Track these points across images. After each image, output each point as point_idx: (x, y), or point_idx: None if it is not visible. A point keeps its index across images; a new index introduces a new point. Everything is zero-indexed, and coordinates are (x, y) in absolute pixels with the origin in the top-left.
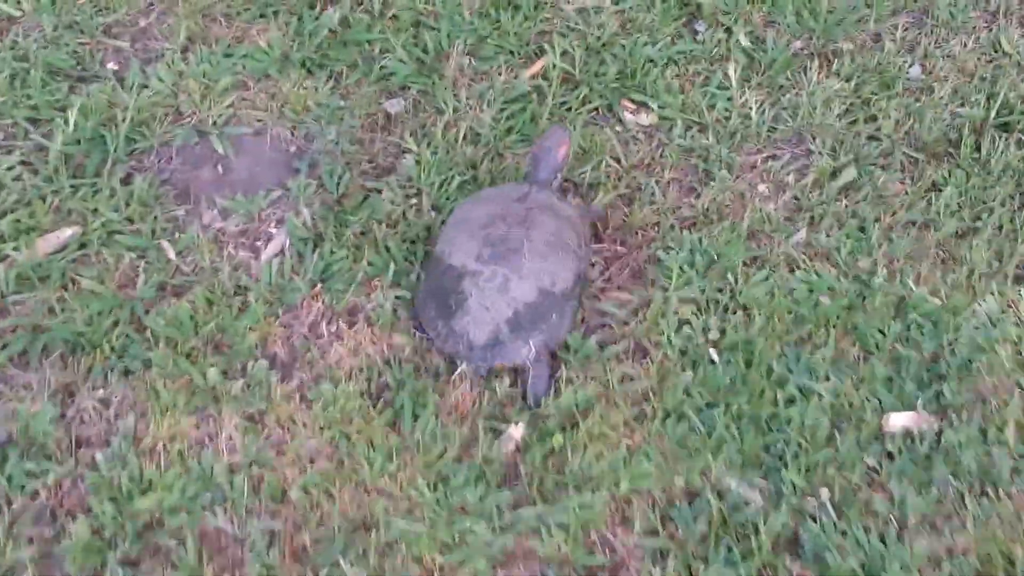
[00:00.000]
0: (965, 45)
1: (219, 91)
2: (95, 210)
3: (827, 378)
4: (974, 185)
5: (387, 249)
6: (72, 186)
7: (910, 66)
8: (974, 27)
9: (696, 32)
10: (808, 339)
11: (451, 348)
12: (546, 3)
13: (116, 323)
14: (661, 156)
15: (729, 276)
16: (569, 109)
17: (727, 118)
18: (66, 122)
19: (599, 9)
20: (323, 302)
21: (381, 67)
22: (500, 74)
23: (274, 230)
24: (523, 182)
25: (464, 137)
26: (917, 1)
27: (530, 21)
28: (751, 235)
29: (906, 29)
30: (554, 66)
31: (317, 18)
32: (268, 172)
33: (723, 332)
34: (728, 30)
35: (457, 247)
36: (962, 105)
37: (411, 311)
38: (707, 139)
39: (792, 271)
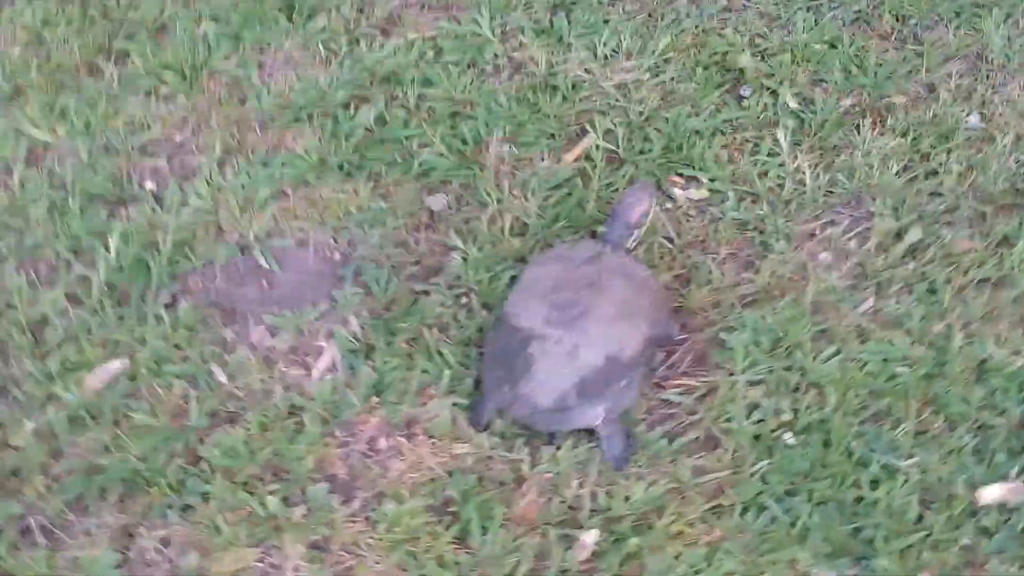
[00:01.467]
0: None
1: (259, 203)
2: (142, 339)
3: (911, 454)
4: None
5: (440, 355)
6: (118, 316)
7: (968, 115)
8: None
9: (741, 98)
10: (887, 414)
11: (517, 412)
12: (584, 82)
13: (172, 457)
14: (715, 231)
15: (797, 353)
16: (616, 190)
17: (780, 186)
18: (107, 249)
19: (639, 83)
20: (379, 416)
21: (420, 163)
22: (543, 160)
23: (324, 344)
24: (598, 239)
25: (510, 229)
26: (971, 46)
27: (569, 102)
28: (816, 308)
29: (960, 76)
30: (597, 147)
31: (352, 118)
32: (314, 283)
33: (796, 413)
34: (774, 93)
35: (525, 309)
36: None
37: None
38: (761, 209)
39: (863, 342)
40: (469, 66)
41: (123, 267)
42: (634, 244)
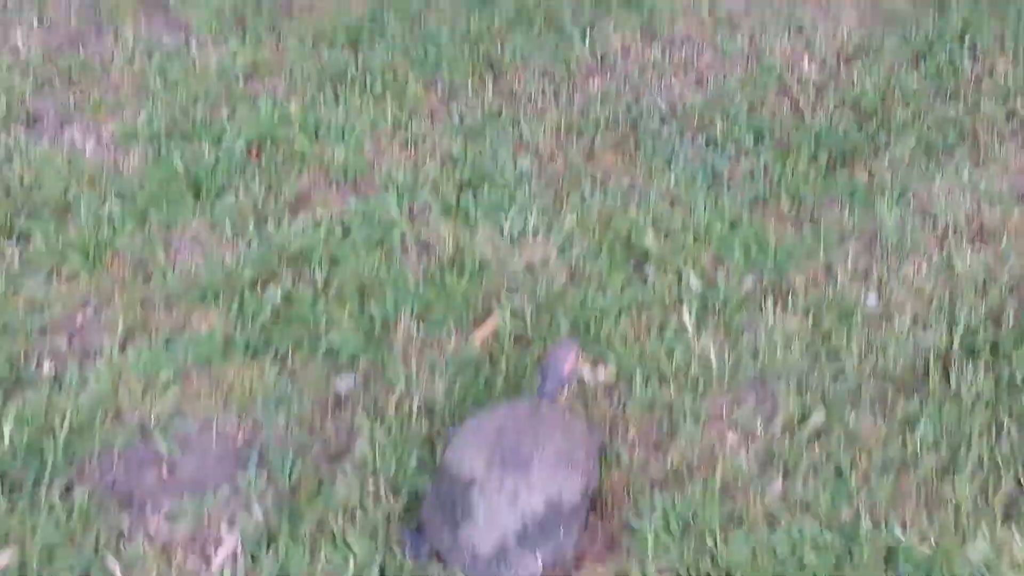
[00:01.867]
0: (919, 269)
1: (161, 385)
2: (33, 529)
3: None
4: (949, 418)
5: (346, 543)
6: (9, 505)
7: (866, 295)
8: (926, 249)
9: (646, 277)
10: None
11: (457, 561)
12: (491, 262)
13: None
14: (624, 413)
15: (708, 539)
16: (525, 372)
17: (687, 365)
18: (0, 436)
19: (546, 262)
20: None
21: (327, 343)
22: (450, 339)
23: (225, 533)
24: (532, 397)
25: (418, 410)
26: (866, 227)
27: (476, 281)
28: (725, 491)
29: (857, 256)
30: (505, 327)
31: (259, 297)
32: (216, 468)
33: None
34: (678, 272)
35: (467, 456)
36: (924, 331)
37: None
38: (669, 390)
39: (773, 528)
40: (377, 245)
41: (16, 453)
42: (563, 398)
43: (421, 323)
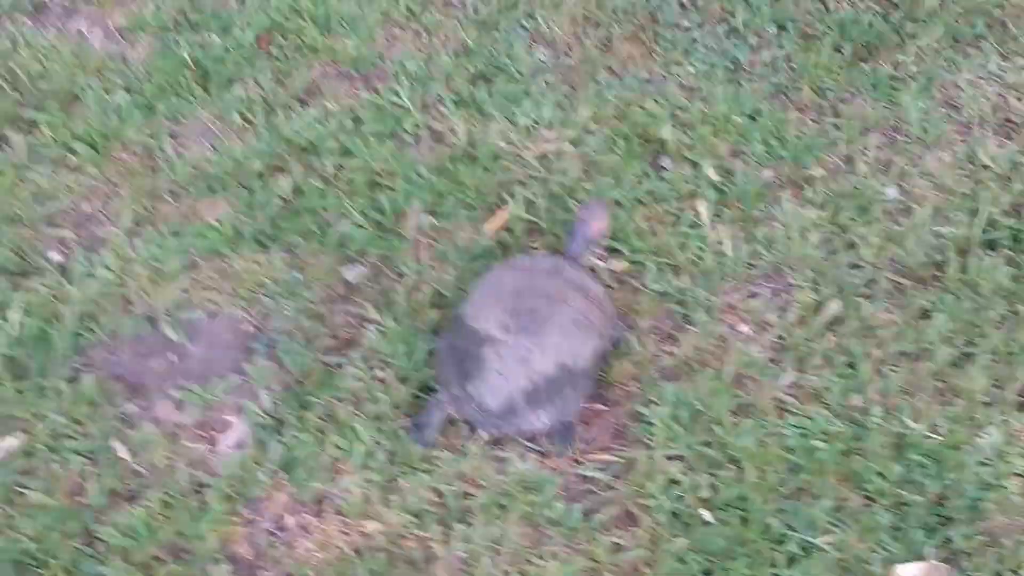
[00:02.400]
0: (941, 161)
1: (169, 275)
2: (41, 414)
3: (829, 531)
4: (965, 309)
5: (353, 430)
6: (16, 390)
7: (886, 188)
8: (949, 141)
9: (662, 169)
10: (806, 489)
11: (464, 411)
12: (505, 153)
13: (66, 537)
14: (636, 303)
15: (717, 428)
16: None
17: (701, 258)
18: (6, 321)
19: (560, 154)
20: (288, 493)
21: (337, 234)
22: (462, 231)
23: (233, 419)
24: (558, 254)
25: (429, 301)
26: (888, 119)
27: (490, 173)
28: (736, 381)
29: (878, 149)
30: (518, 218)
31: (268, 188)
32: (224, 357)
33: (715, 489)
34: (695, 165)
35: (483, 312)
36: (944, 225)
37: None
38: (682, 281)
39: (782, 417)
40: (389, 137)
41: (23, 340)
42: (587, 257)
43: (433, 214)
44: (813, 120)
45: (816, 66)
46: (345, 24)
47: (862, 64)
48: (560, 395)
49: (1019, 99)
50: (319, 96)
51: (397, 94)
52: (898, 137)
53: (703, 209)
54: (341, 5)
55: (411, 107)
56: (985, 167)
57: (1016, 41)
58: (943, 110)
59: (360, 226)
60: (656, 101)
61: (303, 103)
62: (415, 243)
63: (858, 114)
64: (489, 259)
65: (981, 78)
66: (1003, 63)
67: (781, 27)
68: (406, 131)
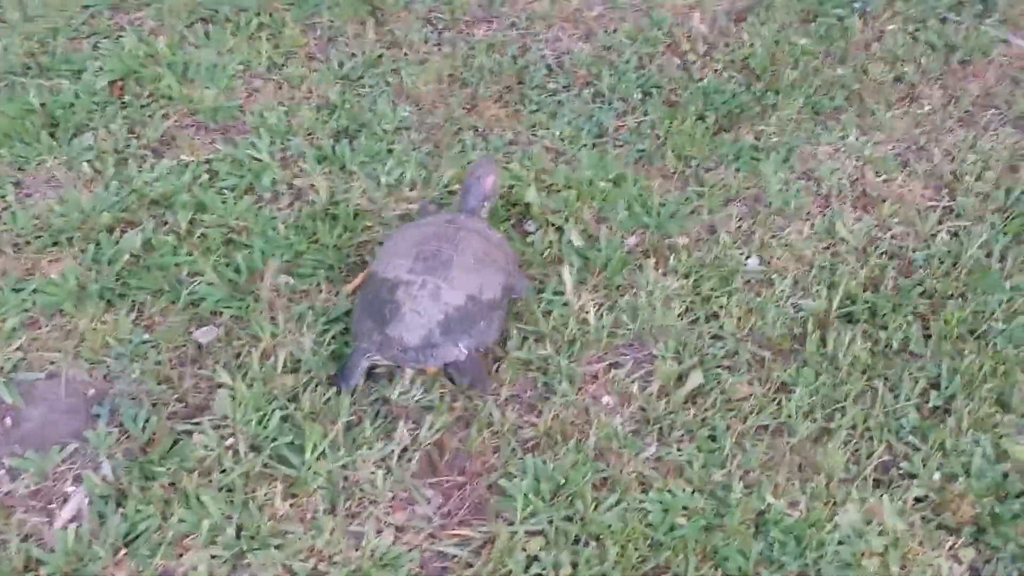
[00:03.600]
0: (801, 232)
1: (6, 333)
2: None
3: None
4: (824, 383)
5: (200, 502)
6: None
7: (747, 258)
8: (809, 213)
9: (527, 233)
10: (667, 567)
11: (387, 353)
12: (367, 211)
13: None
14: (498, 371)
15: (578, 502)
16: None
17: (565, 325)
18: None
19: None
20: (128, 569)
21: (189, 293)
22: (321, 292)
23: (71, 489)
24: (454, 211)
25: (283, 365)
26: (750, 189)
27: (351, 232)
28: (598, 454)
29: (740, 219)
30: None
31: (117, 242)
32: (64, 422)
33: (575, 567)
34: (559, 229)
35: (391, 263)
36: (804, 297)
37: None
38: (545, 349)
39: (645, 491)
40: (246, 192)
41: None
42: (486, 214)
43: (289, 273)
44: (677, 188)
45: (680, 134)
46: (204, 73)
47: (725, 133)
48: (474, 325)
49: (876, 173)
50: (174, 147)
51: (256, 147)
52: (760, 207)
53: (567, 276)
54: (200, 53)
55: (270, 161)
56: (843, 240)
57: (873, 115)
58: (803, 182)
59: (213, 285)
60: (521, 163)
61: (157, 154)
62: (271, 304)
63: (720, 183)
64: (348, 323)
65: (840, 151)
66: (861, 136)
67: (646, 93)
68: (264, 186)
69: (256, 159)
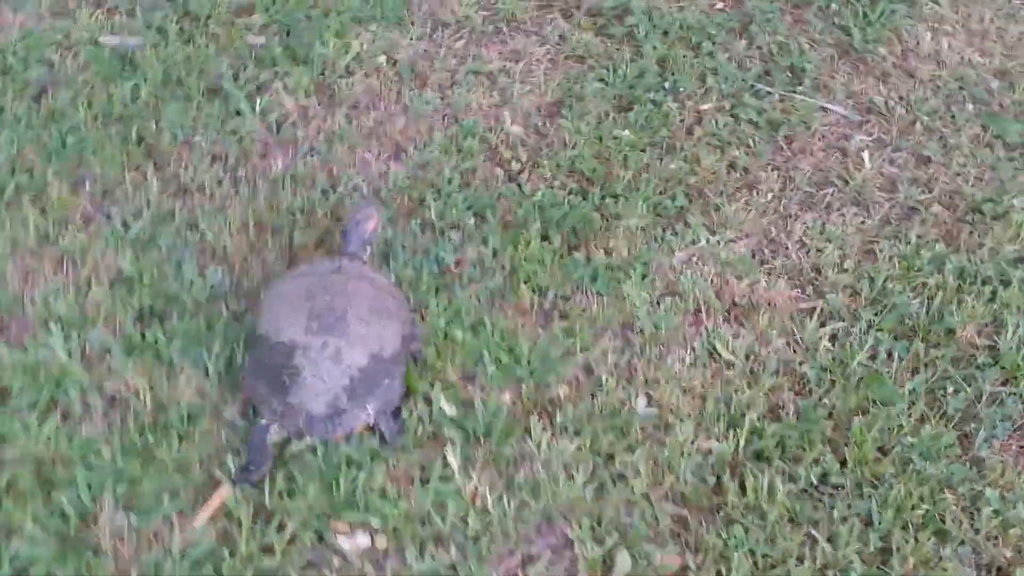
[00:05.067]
0: (683, 360)
1: None
2: None
3: None
4: (758, 541)
5: None
6: None
7: (636, 400)
8: (684, 335)
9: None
10: None
11: (291, 425)
12: (201, 413)
13: None
14: None
15: None
16: (271, 552)
17: (464, 519)
18: None
19: None
20: None
21: (12, 559)
22: (172, 527)
23: None
24: (334, 257)
25: None
26: (617, 315)
27: (190, 441)
28: None
29: (616, 353)
30: (236, 499)
31: None
32: None
33: None
34: (428, 400)
35: (282, 323)
36: (707, 439)
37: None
38: (449, 554)
39: None
40: (49, 409)
41: None
42: (367, 258)
43: (129, 509)
44: (540, 326)
45: (528, 261)
46: None
47: (574, 253)
48: (378, 384)
49: (738, 277)
50: None
51: (48, 347)
52: (632, 335)
53: (452, 458)
54: None
55: (71, 364)
56: (728, 364)
57: (719, 211)
58: (669, 299)
59: (37, 542)
60: None
61: None
62: (114, 552)
63: (585, 314)
64: (215, 559)
65: (695, 257)
66: (712, 237)
67: (480, 216)
68: (71, 398)
69: (53, 363)
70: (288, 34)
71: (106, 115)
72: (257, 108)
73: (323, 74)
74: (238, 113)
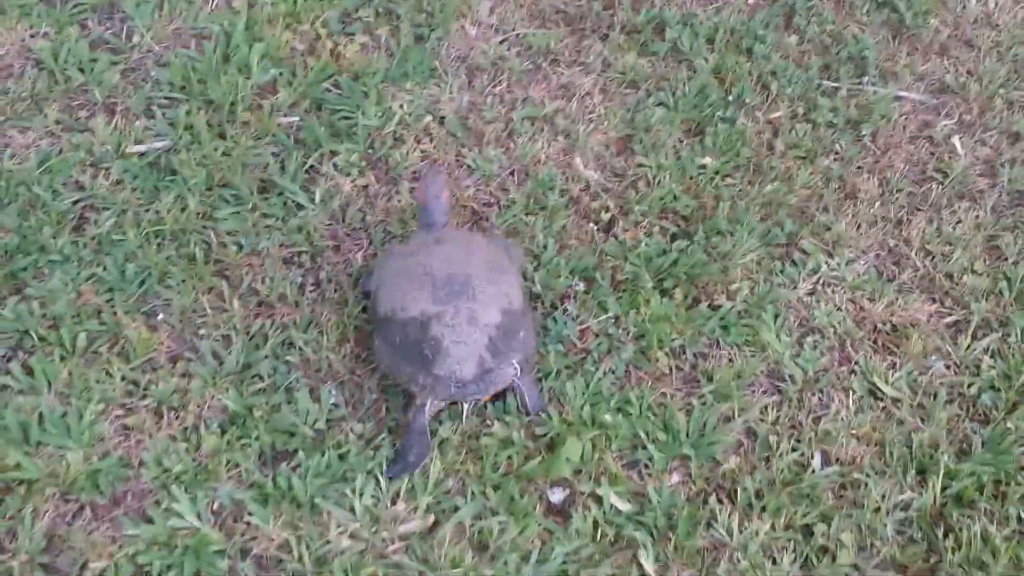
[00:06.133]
0: (847, 407)
1: None
2: None
3: None
4: None
5: None
6: None
7: (811, 458)
8: (836, 375)
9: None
10: None
11: (443, 394)
12: (364, 550)
13: None
14: None
15: None
16: None
17: None
18: None
19: None
20: None
21: None
22: None
23: None
24: (424, 231)
25: None
26: (758, 365)
27: None
28: None
29: (773, 409)
30: None
31: None
32: None
33: None
34: (596, 497)
35: (408, 299)
36: (900, 492)
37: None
38: None
39: None
40: None
41: None
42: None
43: None
44: (683, 393)
45: (655, 321)
46: (54, 430)
47: (699, 305)
48: (516, 337)
49: (871, 300)
50: (66, 552)
51: (179, 515)
52: (783, 386)
53: (645, 561)
54: (34, 402)
55: (205, 528)
56: (895, 401)
57: (829, 230)
58: (808, 338)
59: None
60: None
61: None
62: None
63: (727, 367)
64: None
65: (820, 285)
66: (831, 261)
67: (587, 279)
68: (219, 570)
69: (185, 529)
70: (320, 108)
71: (158, 234)
72: (316, 198)
73: (372, 147)
74: (298, 207)
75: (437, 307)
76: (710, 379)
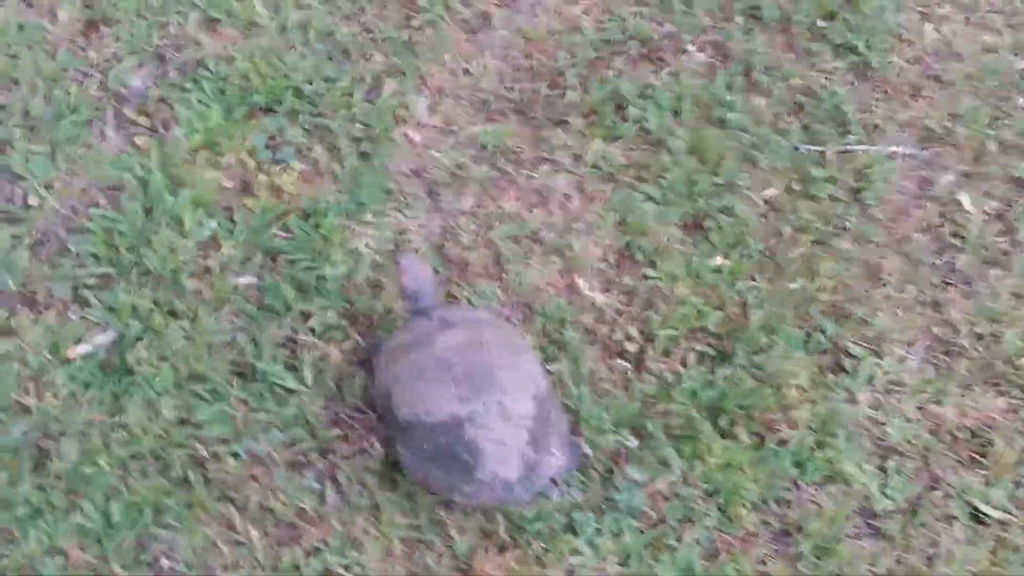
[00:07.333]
0: (952, 535)
1: None
2: None
3: None
4: None
5: None
6: None
7: None
8: (931, 501)
9: None
10: None
11: (489, 499)
12: None
13: None
14: None
15: None
16: None
17: None
18: None
19: None
20: None
21: None
22: None
23: None
24: (416, 319)
25: None
26: (851, 500)
27: None
28: None
29: (878, 555)
30: None
31: None
32: None
33: None
34: None
35: (430, 401)
36: None
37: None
38: None
39: None
40: None
41: None
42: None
43: None
44: (786, 556)
45: (722, 470)
46: None
47: (766, 444)
48: (550, 421)
49: (938, 403)
50: None
51: None
52: (880, 524)
53: None
54: None
55: None
56: (1003, 524)
57: (869, 325)
58: (889, 461)
59: None
60: None
61: None
62: None
63: (820, 515)
64: None
65: (882, 392)
66: (882, 362)
67: (635, 429)
68: None
69: None
70: (274, 259)
71: (135, 456)
72: (306, 377)
73: (349, 303)
74: (289, 392)
75: (465, 407)
76: (799, 530)
